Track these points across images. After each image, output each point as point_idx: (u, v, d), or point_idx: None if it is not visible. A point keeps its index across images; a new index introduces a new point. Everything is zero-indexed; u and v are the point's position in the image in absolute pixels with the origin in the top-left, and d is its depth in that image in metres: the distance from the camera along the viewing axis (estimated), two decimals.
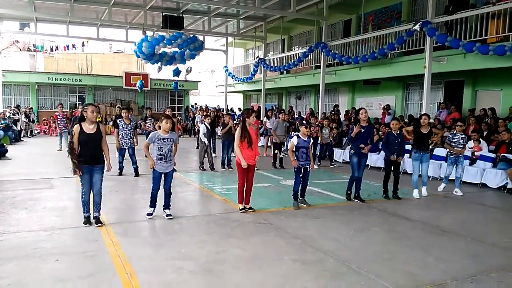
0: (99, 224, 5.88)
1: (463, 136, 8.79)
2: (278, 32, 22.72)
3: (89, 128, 5.73)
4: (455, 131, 8.91)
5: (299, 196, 7.29)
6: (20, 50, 34.94)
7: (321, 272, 4.42)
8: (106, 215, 6.35)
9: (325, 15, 16.93)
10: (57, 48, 27.80)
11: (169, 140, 6.30)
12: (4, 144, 13.98)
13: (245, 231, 5.84)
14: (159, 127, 6.51)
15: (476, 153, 10.23)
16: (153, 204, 6.40)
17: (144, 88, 26.94)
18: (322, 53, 16.91)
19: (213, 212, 6.95)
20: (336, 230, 6.04)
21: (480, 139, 10.47)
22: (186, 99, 31.51)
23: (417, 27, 12.14)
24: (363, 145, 7.62)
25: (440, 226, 6.34)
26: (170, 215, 6.40)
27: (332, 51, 16.41)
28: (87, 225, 5.82)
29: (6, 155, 12.86)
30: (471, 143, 10.43)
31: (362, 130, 7.65)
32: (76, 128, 5.67)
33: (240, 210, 6.82)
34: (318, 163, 12.49)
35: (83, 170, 5.72)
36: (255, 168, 7.18)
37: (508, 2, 10.61)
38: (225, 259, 4.74)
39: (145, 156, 6.39)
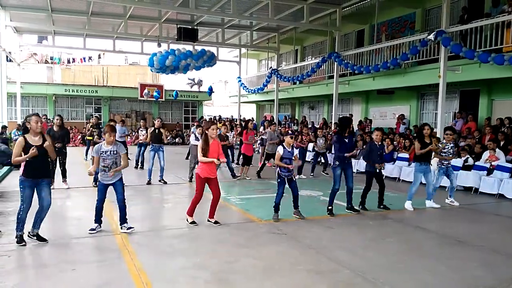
0: (42, 240, 5.47)
1: (452, 145, 8.51)
2: (291, 43, 22.85)
3: (34, 140, 5.32)
4: (444, 140, 8.59)
5: (292, 207, 7.09)
6: (38, 62, 35.64)
7: (336, 283, 4.40)
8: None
9: (338, 25, 17.03)
10: (74, 60, 28.39)
11: (111, 152, 5.96)
12: None
13: (259, 241, 5.85)
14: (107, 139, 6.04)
15: (493, 163, 10.06)
16: (97, 219, 6.07)
17: (159, 99, 27.34)
18: (335, 63, 16.95)
19: (227, 222, 6.96)
20: (350, 240, 6.02)
21: (497, 148, 10.32)
22: (200, 110, 31.83)
23: (431, 36, 12.09)
24: (348, 154, 7.37)
25: (455, 237, 6.26)
26: (131, 227, 6.10)
27: (345, 61, 16.44)
28: (22, 244, 5.31)
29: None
30: (486, 153, 10.28)
31: (346, 140, 7.47)
32: (20, 140, 5.29)
33: (189, 223, 6.58)
34: (304, 176, 11.97)
35: (27, 184, 5.33)
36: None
37: None
38: (238, 269, 4.75)
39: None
